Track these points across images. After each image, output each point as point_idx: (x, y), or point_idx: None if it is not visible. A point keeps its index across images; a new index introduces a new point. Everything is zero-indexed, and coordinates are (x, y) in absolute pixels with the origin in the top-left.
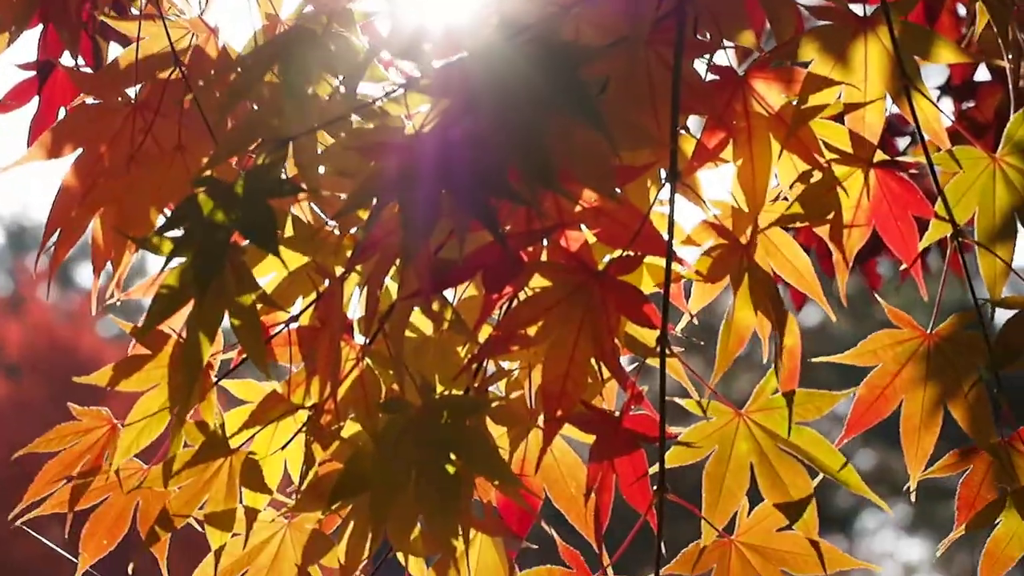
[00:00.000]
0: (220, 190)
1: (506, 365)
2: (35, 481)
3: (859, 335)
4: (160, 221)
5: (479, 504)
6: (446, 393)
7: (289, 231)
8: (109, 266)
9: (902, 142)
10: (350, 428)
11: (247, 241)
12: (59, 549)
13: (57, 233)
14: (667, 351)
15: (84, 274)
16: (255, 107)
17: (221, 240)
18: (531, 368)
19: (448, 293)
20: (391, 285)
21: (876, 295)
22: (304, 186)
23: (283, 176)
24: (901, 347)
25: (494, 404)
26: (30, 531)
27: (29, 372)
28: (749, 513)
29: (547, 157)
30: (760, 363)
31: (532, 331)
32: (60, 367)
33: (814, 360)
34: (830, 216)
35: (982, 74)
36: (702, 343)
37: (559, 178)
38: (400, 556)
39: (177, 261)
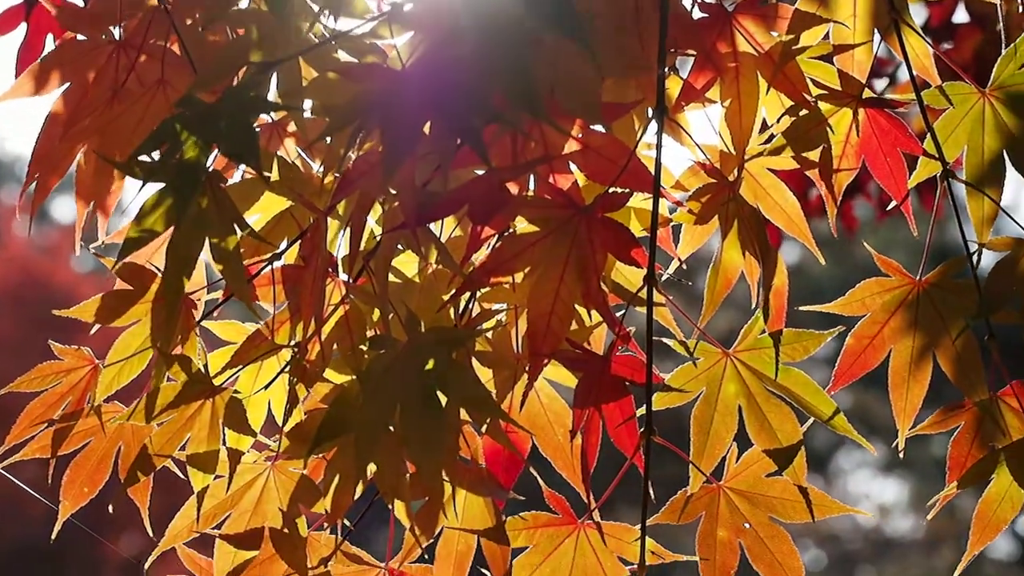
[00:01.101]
0: (200, 110)
1: (492, 307)
2: (17, 423)
3: (836, 276)
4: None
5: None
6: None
7: (275, 175)
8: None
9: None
10: (334, 370)
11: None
12: (35, 493)
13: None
14: (654, 291)
15: (61, 209)
16: (238, 34)
17: (200, 162)
18: (517, 312)
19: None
20: (375, 226)
21: (863, 241)
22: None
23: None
24: (890, 295)
25: (481, 333)
26: (7, 475)
27: (3, 306)
28: (737, 459)
29: (533, 85)
30: (740, 304)
31: (519, 275)
32: (35, 302)
33: (801, 309)
34: (818, 150)
35: (960, 16)
36: (689, 283)
37: (546, 108)
38: (387, 502)
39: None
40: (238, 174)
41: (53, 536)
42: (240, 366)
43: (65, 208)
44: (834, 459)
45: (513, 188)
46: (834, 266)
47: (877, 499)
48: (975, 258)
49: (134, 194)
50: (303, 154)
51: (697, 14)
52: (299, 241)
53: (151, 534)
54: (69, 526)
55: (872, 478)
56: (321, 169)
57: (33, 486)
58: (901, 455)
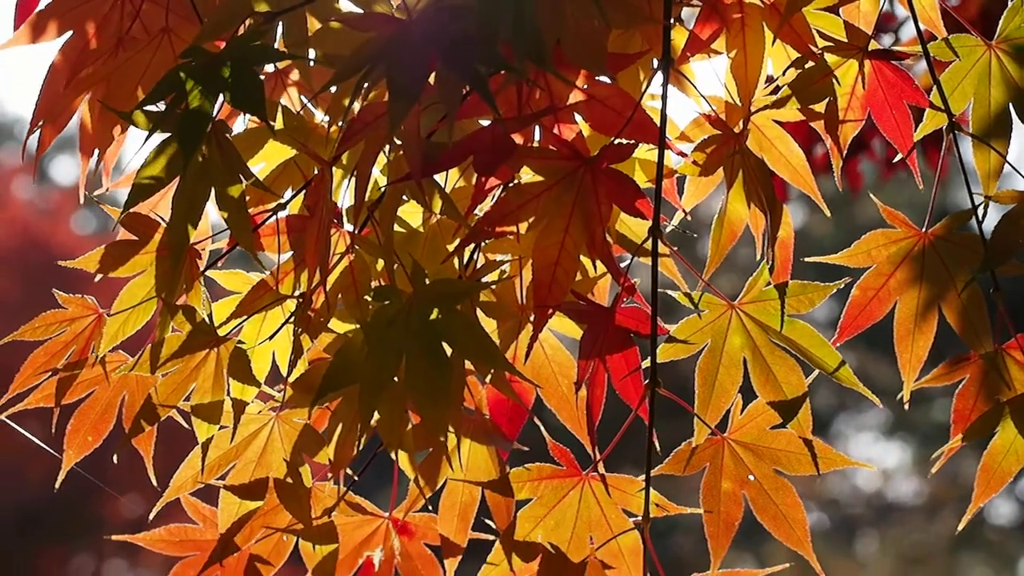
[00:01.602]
0: (205, 61)
1: (496, 258)
2: (20, 371)
3: (839, 237)
4: None
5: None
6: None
7: (279, 124)
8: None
9: (886, 40)
10: (338, 321)
11: (237, 114)
12: (39, 442)
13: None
14: (659, 242)
15: (61, 170)
16: None
17: (205, 112)
18: (522, 262)
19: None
20: (380, 177)
21: (870, 194)
22: (290, 53)
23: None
24: (896, 247)
25: (487, 287)
26: (12, 424)
27: (3, 267)
28: (742, 411)
29: (539, 35)
30: (743, 268)
31: (524, 226)
32: (36, 263)
33: (807, 260)
34: (824, 102)
35: None
36: (694, 235)
37: (552, 59)
38: (391, 452)
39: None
40: (240, 123)
41: (57, 485)
42: (244, 316)
43: (65, 169)
44: (835, 423)
45: (518, 139)
46: (838, 230)
47: (879, 463)
48: (981, 211)
49: (136, 147)
50: (307, 103)
51: None
52: (304, 191)
53: (155, 483)
54: (70, 488)
55: (874, 442)
56: (326, 119)
57: (34, 444)
58: (906, 407)
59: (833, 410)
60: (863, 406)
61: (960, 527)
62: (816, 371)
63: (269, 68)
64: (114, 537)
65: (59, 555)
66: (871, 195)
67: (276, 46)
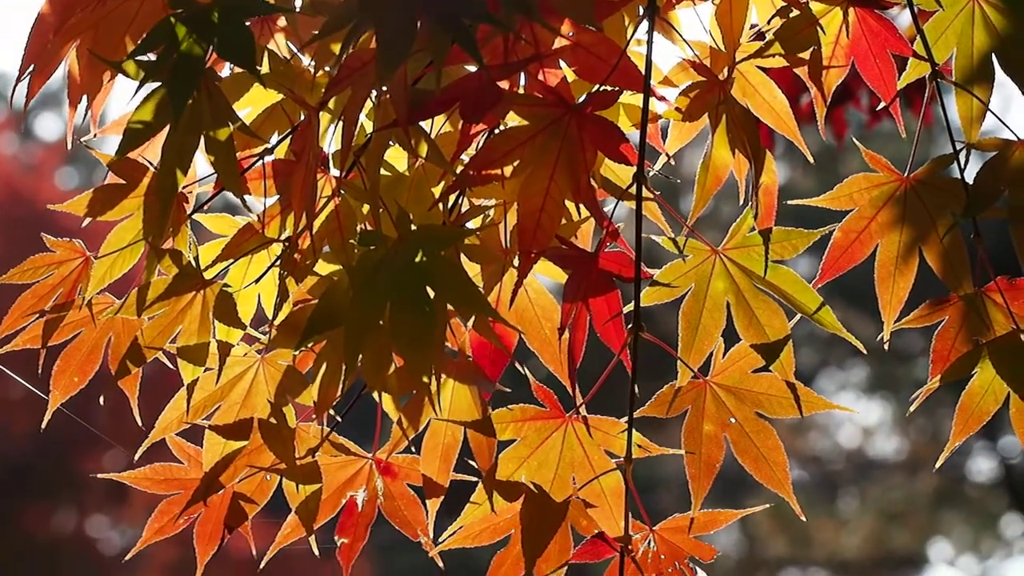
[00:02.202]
0: (195, 11)
1: (481, 204)
2: (8, 314)
3: (824, 192)
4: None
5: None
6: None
7: (265, 68)
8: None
9: None
10: (324, 264)
11: (225, 61)
12: (25, 383)
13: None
14: (643, 187)
15: (45, 125)
16: None
17: (196, 62)
18: (506, 207)
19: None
20: (367, 122)
21: (853, 141)
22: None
23: None
24: (878, 191)
25: (472, 232)
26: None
27: None
28: (725, 354)
29: None
30: (724, 225)
31: (508, 169)
32: (20, 219)
33: (790, 203)
34: (808, 51)
35: None
36: (677, 180)
37: (537, 7)
38: (374, 395)
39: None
40: (227, 68)
41: (43, 425)
42: (231, 260)
43: (49, 126)
44: (817, 381)
45: (504, 86)
46: (821, 187)
47: (860, 421)
48: (963, 157)
49: (123, 96)
50: (293, 48)
51: None
52: (290, 136)
53: (140, 423)
54: (54, 444)
55: (855, 400)
56: (312, 64)
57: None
58: (886, 347)
59: (815, 367)
60: (845, 363)
61: (937, 465)
62: (799, 315)
63: None
64: (99, 476)
65: (43, 510)
66: (855, 140)
67: None
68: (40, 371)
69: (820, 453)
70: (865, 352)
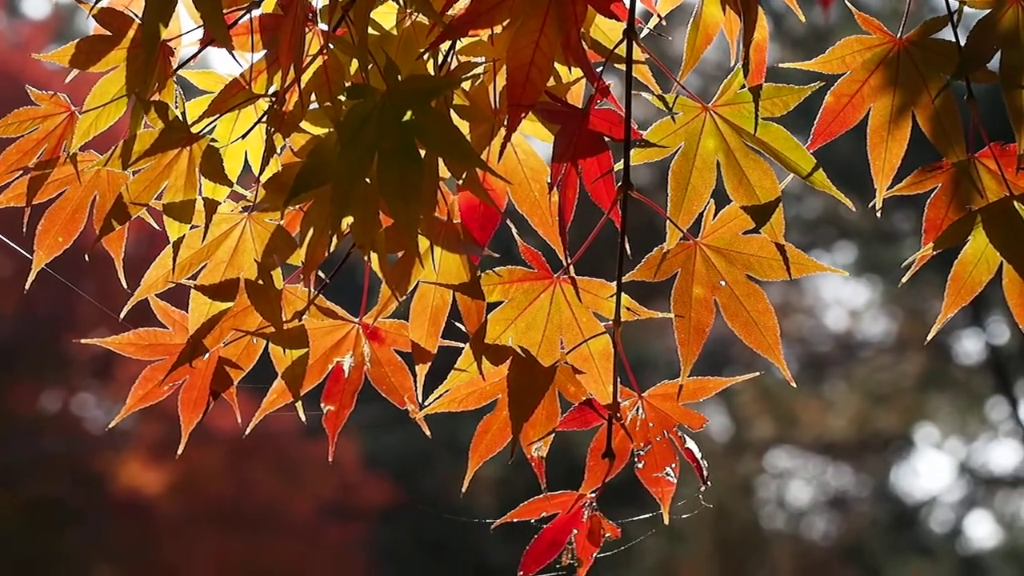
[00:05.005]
0: None
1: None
2: None
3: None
4: None
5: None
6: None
7: None
8: None
9: None
10: (312, 122)
11: None
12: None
13: None
14: (633, 45)
15: (31, 5)
16: None
17: None
18: (496, 68)
19: None
20: None
21: (846, 1)
22: None
23: None
24: (870, 53)
25: (460, 83)
26: None
27: None
28: (715, 216)
29: None
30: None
31: (499, 28)
32: (5, 96)
33: (782, 66)
34: None
35: None
36: (669, 38)
37: None
38: (363, 254)
39: None
40: None
41: (26, 287)
42: (218, 115)
43: (35, 5)
44: None
45: None
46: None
47: (848, 304)
48: (956, 18)
49: None
50: None
51: None
52: None
53: (125, 285)
54: (41, 324)
55: (843, 282)
56: None
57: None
58: (878, 214)
59: (803, 249)
60: (833, 246)
61: (928, 338)
62: (790, 176)
63: None
64: (83, 341)
65: (29, 390)
66: (848, 4)
67: None
68: (24, 229)
69: (807, 335)
70: (853, 208)
